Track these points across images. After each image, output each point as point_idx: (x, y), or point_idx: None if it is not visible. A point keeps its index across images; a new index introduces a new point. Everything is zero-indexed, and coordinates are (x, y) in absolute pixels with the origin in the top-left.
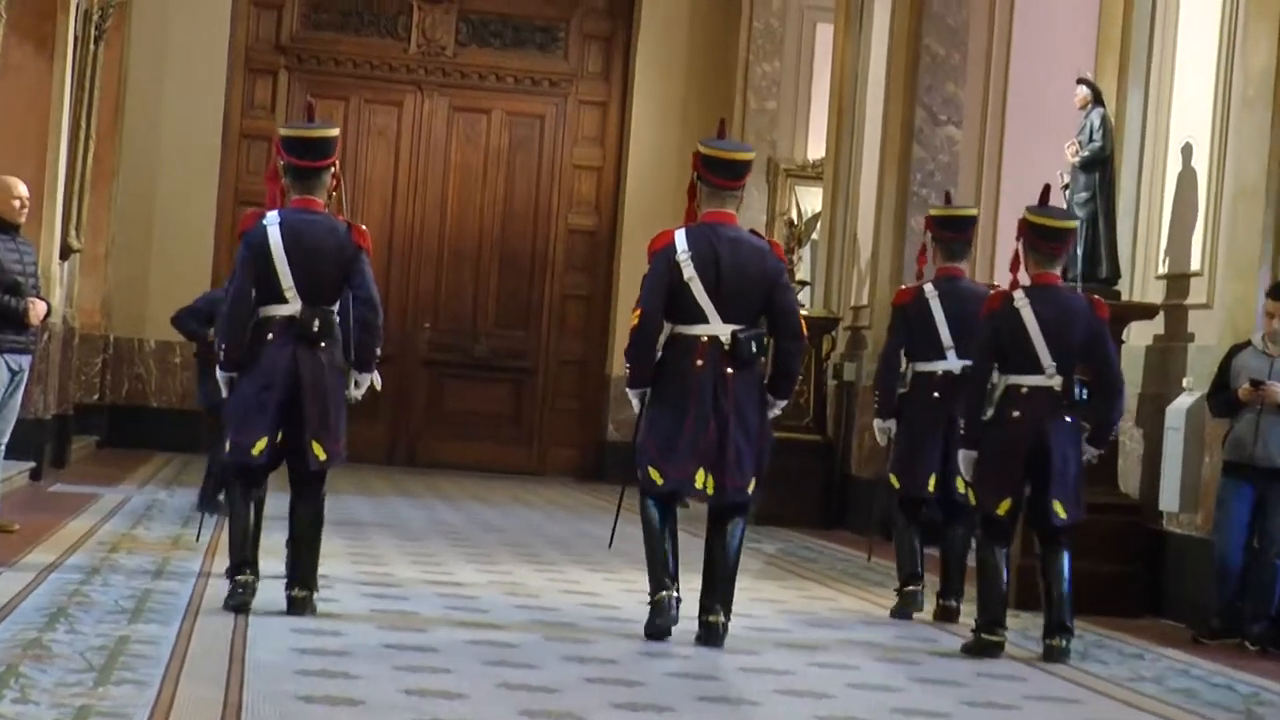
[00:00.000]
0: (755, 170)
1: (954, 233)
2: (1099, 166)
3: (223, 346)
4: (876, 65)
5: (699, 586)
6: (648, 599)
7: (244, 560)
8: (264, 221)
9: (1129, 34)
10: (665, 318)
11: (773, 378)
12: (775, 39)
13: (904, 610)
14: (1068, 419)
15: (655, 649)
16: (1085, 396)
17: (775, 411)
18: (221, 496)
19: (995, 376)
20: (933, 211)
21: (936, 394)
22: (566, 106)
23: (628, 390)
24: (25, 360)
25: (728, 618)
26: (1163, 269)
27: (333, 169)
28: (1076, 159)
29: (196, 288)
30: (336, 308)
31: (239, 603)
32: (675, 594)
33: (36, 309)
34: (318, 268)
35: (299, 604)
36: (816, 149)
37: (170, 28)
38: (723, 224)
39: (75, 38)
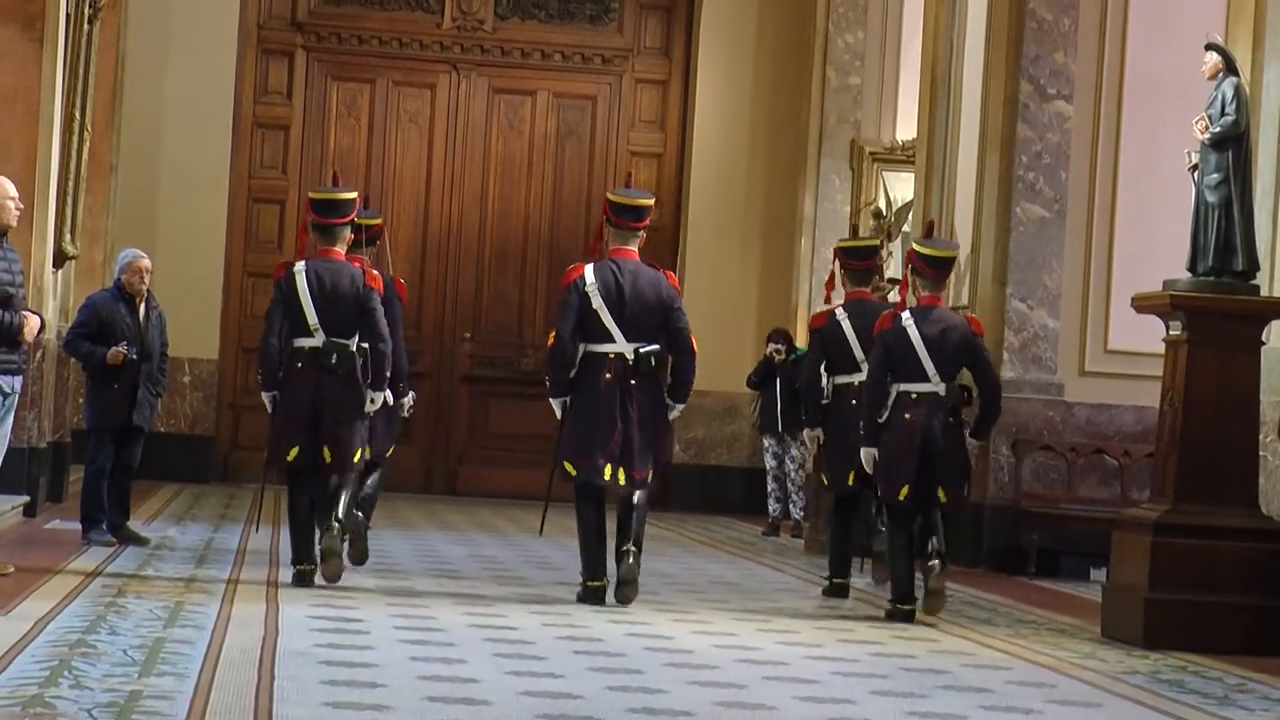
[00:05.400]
0: (837, 155)
1: (860, 261)
2: (1232, 144)
3: (262, 373)
4: (974, 33)
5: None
6: (581, 582)
7: (302, 555)
8: (294, 270)
9: None
10: (580, 338)
11: (671, 386)
12: (858, 6)
13: (839, 596)
14: (951, 419)
15: (733, 698)
16: (971, 399)
17: (674, 414)
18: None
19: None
20: (841, 244)
21: (854, 401)
22: (622, 86)
23: (551, 400)
24: (17, 382)
25: (639, 548)
26: None
27: (378, 225)
28: (1206, 136)
29: (206, 297)
30: (356, 339)
31: (302, 582)
32: (606, 582)
33: (31, 324)
34: (337, 307)
35: (326, 556)
36: (906, 129)
37: (173, 5)
38: (625, 259)
39: (66, 18)
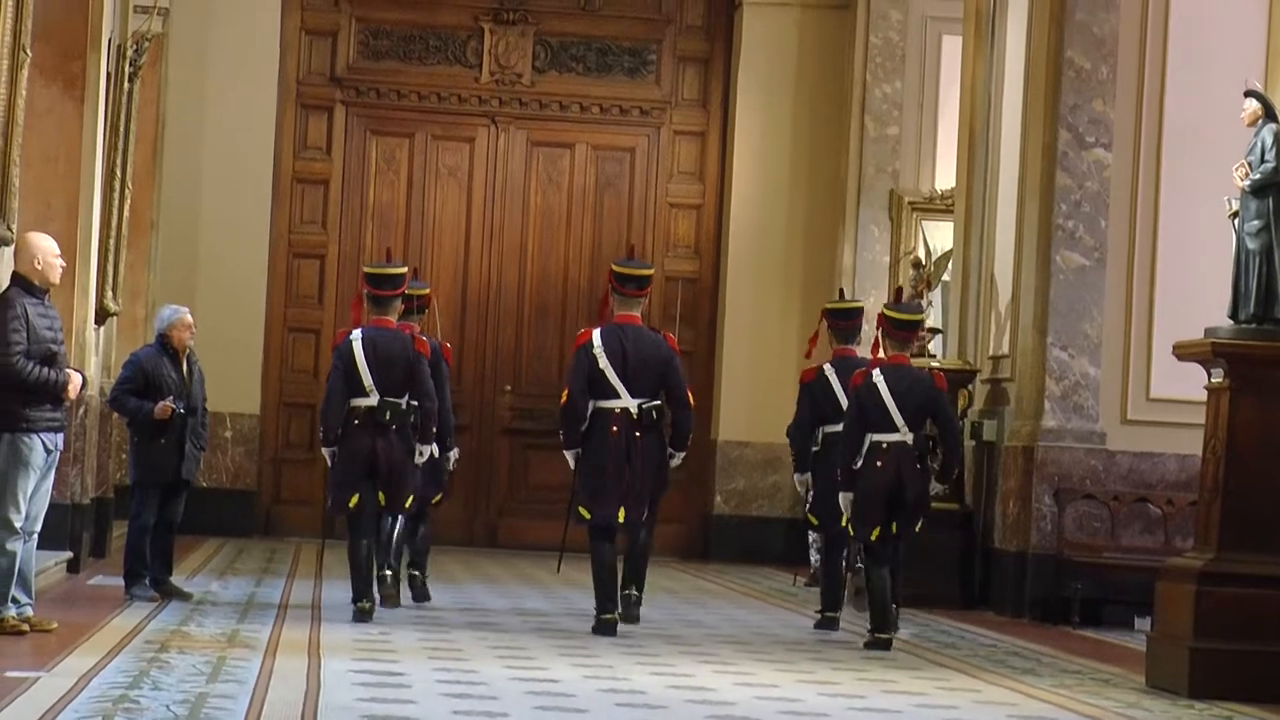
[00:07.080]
0: (876, 205)
1: (846, 321)
2: (1273, 191)
3: (324, 430)
4: (1012, 82)
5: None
6: (595, 615)
7: (362, 593)
8: (350, 337)
9: None
10: (589, 396)
11: (672, 437)
12: (896, 56)
13: (828, 629)
14: (919, 465)
15: None
16: (933, 447)
17: (675, 462)
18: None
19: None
20: (828, 305)
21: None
22: (660, 138)
23: (564, 452)
24: (60, 439)
25: (640, 591)
26: None
27: (427, 295)
28: (1246, 183)
29: (247, 352)
30: (406, 398)
31: (362, 619)
32: (617, 615)
33: (74, 382)
34: (390, 371)
35: (385, 599)
36: (945, 179)
37: (212, 62)
38: (629, 324)
39: (107, 77)
